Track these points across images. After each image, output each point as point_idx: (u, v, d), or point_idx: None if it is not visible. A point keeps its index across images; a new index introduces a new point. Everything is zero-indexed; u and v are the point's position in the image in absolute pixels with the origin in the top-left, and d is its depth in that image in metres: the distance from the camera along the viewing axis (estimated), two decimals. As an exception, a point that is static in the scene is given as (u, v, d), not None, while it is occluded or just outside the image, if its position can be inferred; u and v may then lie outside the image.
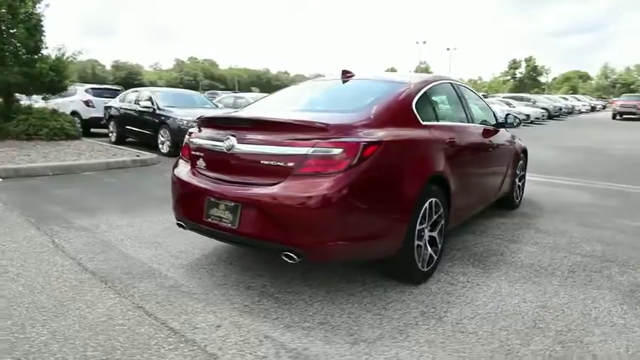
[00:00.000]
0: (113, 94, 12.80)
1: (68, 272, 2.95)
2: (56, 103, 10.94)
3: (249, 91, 53.67)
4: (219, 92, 32.69)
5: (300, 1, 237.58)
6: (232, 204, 2.54)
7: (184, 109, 9.30)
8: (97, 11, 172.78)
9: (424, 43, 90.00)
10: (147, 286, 2.76)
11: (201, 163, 2.86)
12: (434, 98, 3.33)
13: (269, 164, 2.47)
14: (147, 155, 8.08)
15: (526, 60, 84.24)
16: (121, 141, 10.29)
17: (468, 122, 3.80)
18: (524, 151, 5.18)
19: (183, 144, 3.11)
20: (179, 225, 3.00)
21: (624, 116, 27.02)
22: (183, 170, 2.99)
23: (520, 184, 5.12)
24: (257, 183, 2.51)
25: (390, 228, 2.60)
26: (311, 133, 2.44)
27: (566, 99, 35.59)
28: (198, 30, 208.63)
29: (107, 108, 11.01)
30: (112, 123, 10.71)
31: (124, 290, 2.70)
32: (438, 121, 3.25)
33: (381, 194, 2.53)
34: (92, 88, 13.15)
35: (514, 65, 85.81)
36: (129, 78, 69.28)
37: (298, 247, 2.38)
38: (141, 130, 9.74)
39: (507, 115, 4.45)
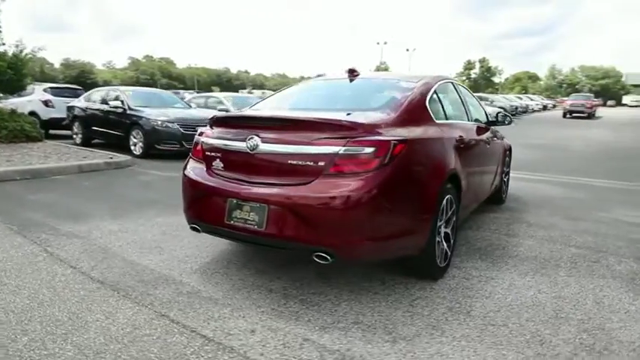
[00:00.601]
0: (73, 93, 12.15)
1: (73, 282, 2.77)
2: (12, 102, 10.25)
3: (210, 90, 52.48)
4: (181, 92, 31.81)
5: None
6: (259, 205, 2.47)
7: (156, 108, 8.99)
8: (44, 6, 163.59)
9: (385, 43, 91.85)
10: (164, 293, 2.64)
11: (218, 163, 2.75)
12: (442, 97, 3.38)
13: (297, 164, 2.42)
14: (121, 157, 7.72)
15: (480, 61, 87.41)
16: (87, 143, 9.77)
17: (468, 120, 3.89)
18: (510, 149, 5.38)
19: (194, 143, 2.99)
20: (193, 228, 2.88)
21: (574, 115, 28.71)
22: (197, 171, 2.87)
23: (506, 180, 5.32)
24: (284, 183, 2.45)
25: (418, 225, 2.62)
26: (339, 132, 2.41)
27: (520, 98, 37.36)
28: (153, 28, 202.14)
29: (70, 108, 10.42)
30: (76, 124, 10.14)
31: (140, 298, 2.56)
32: (447, 119, 3.31)
33: (409, 192, 2.55)
34: (51, 88, 12.38)
35: (469, 66, 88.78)
36: (81, 77, 65.57)
37: (330, 247, 2.35)
38: (110, 131, 9.28)
39: (498, 113, 4.60)
